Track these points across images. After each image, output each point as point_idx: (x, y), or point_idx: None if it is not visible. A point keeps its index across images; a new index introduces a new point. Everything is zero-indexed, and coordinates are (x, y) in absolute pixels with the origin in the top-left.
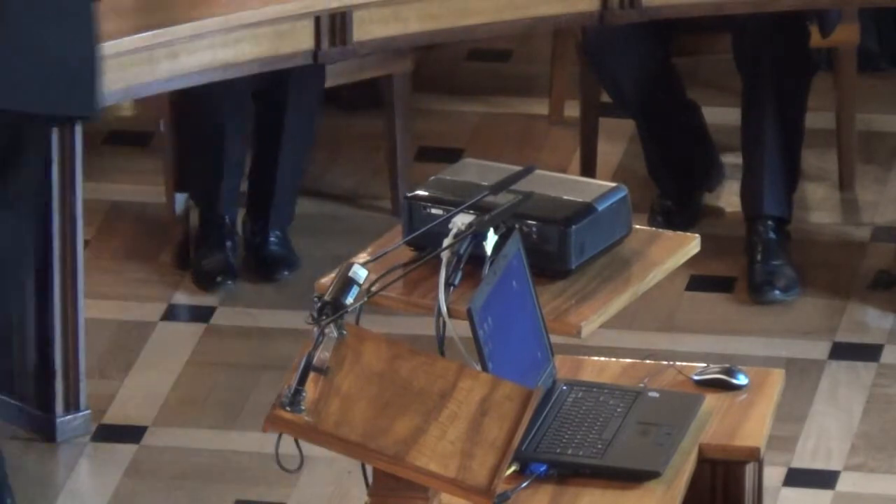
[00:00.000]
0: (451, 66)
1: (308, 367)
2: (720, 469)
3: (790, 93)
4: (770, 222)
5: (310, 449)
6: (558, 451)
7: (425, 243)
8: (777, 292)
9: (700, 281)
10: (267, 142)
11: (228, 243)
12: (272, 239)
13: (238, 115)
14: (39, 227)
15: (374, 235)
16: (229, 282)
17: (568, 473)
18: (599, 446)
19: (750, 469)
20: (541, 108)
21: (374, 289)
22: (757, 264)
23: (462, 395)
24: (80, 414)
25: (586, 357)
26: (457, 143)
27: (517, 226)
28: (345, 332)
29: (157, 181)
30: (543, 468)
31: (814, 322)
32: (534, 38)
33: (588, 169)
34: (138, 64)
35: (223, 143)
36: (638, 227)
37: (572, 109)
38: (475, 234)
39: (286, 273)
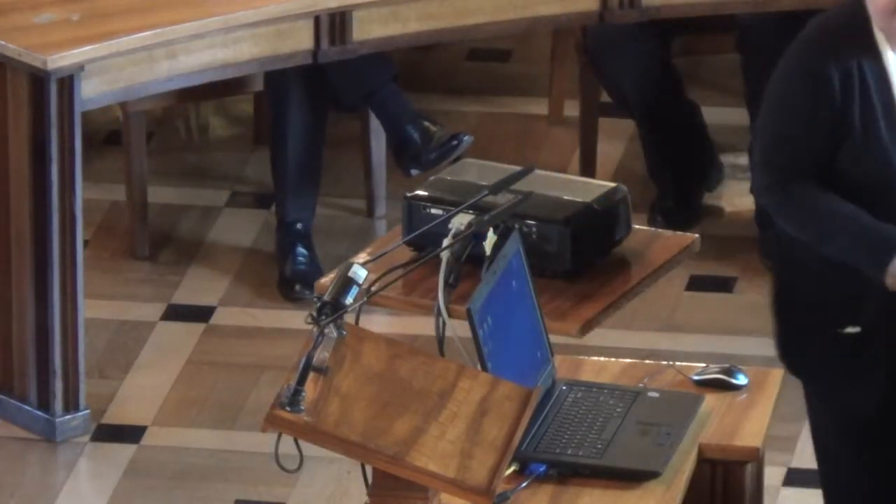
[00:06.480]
0: (451, 66)
1: (308, 367)
2: (720, 469)
3: None
4: None
5: (310, 449)
6: (558, 451)
7: (425, 243)
8: None
9: (700, 281)
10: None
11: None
12: (300, 258)
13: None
14: (39, 227)
15: (374, 235)
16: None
17: (568, 473)
18: (599, 446)
19: (750, 469)
20: (540, 107)
21: (374, 289)
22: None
23: (461, 395)
24: (80, 414)
25: (586, 357)
26: None
27: (517, 226)
28: (344, 332)
29: (156, 181)
30: (543, 468)
31: None
32: (534, 38)
33: (588, 169)
34: (138, 64)
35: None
36: (638, 227)
37: (572, 109)
38: (475, 234)
39: (298, 288)
